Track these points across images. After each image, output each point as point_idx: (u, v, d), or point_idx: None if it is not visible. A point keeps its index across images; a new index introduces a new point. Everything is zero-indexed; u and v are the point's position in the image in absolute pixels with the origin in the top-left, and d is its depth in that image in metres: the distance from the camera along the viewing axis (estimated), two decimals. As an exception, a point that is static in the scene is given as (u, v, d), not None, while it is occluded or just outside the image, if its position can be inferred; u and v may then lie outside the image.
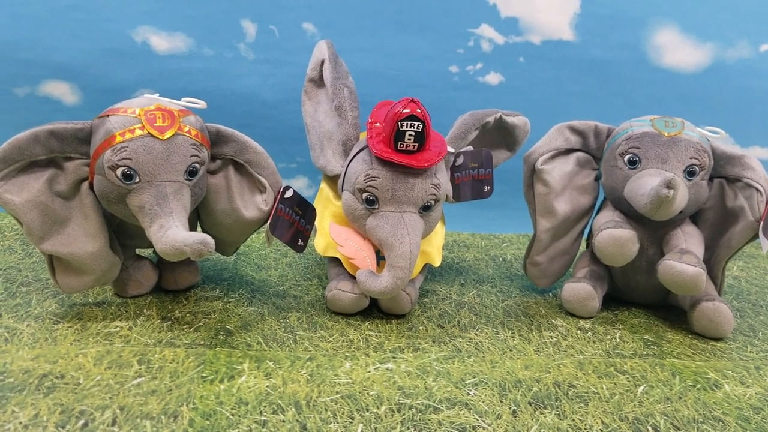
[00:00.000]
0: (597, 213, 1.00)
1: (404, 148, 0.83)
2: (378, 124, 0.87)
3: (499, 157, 1.01)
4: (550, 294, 1.05)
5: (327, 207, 0.96)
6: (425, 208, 0.86)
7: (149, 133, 0.78)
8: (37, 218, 0.79)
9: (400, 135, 0.82)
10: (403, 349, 0.82)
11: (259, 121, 1.27)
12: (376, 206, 0.85)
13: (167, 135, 0.79)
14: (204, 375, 0.73)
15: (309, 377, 0.74)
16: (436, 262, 0.95)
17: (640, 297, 1.00)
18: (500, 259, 1.19)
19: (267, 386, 0.71)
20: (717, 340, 0.91)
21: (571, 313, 0.97)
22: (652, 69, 1.29)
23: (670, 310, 1.00)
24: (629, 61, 1.28)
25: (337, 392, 0.71)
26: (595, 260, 1.01)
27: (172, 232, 0.76)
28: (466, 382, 0.75)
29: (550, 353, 0.84)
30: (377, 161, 0.85)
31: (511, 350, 0.84)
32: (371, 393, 0.71)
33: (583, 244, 1.10)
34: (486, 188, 0.97)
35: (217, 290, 0.96)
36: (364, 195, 0.85)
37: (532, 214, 0.99)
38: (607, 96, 1.30)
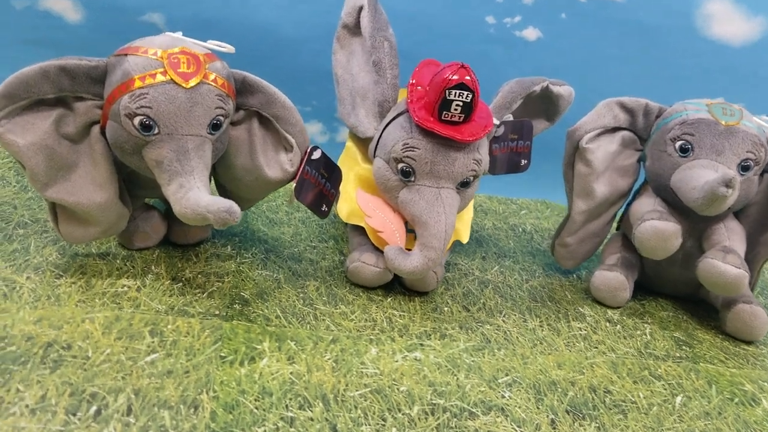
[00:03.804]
0: (634, 197, 0.94)
1: (449, 119, 0.76)
2: (420, 87, 0.80)
3: (538, 127, 0.94)
4: (574, 276, 1.01)
5: (352, 168, 0.89)
6: (463, 184, 0.80)
7: (172, 79, 0.70)
8: (42, 162, 0.71)
9: (446, 104, 0.75)
10: (430, 335, 0.77)
11: (272, 58, 1.18)
12: (412, 179, 0.79)
13: (191, 83, 0.71)
14: (222, 355, 0.67)
15: (334, 364, 0.69)
16: (464, 239, 0.89)
17: (671, 289, 0.96)
18: (520, 229, 1.14)
19: (291, 373, 0.66)
20: (748, 343, 0.88)
21: (599, 301, 0.92)
22: (699, 39, 1.21)
23: (698, 305, 0.97)
24: (676, 28, 1.20)
25: (366, 385, 0.66)
26: (626, 246, 0.96)
27: (194, 194, 0.69)
28: (500, 380, 0.71)
29: (581, 349, 0.80)
30: (417, 130, 0.78)
31: (540, 342, 0.80)
32: (401, 389, 0.67)
33: (612, 227, 1.04)
34: (523, 162, 0.91)
35: (229, 247, 0.90)
36: (400, 165, 0.79)
37: (569, 193, 0.93)
38: (648, 63, 1.23)
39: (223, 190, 0.87)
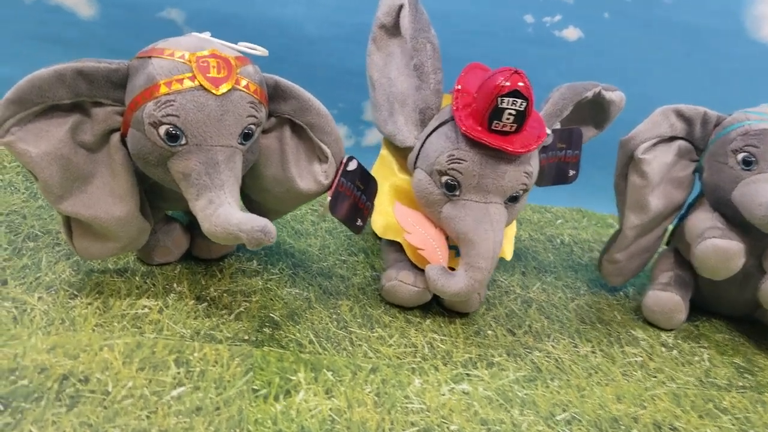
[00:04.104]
0: (688, 210, 0.88)
1: (499, 128, 0.70)
2: (467, 93, 0.73)
3: (586, 135, 0.87)
4: (621, 293, 0.94)
5: (388, 179, 0.83)
6: (512, 199, 0.74)
7: (201, 85, 0.64)
8: (57, 174, 0.65)
9: (497, 113, 0.68)
10: (476, 363, 0.71)
11: (296, 57, 1.11)
12: (457, 193, 0.72)
13: (222, 89, 0.64)
14: (255, 387, 0.61)
15: (376, 398, 0.63)
16: (508, 256, 0.83)
17: (727, 309, 0.90)
18: (557, 240, 1.07)
19: (330, 409, 0.60)
20: (813, 370, 0.81)
21: (652, 323, 0.86)
22: (749, 41, 1.15)
23: (754, 325, 0.90)
24: (724, 31, 1.14)
25: (412, 423, 0.60)
26: (680, 263, 0.90)
27: (224, 210, 0.63)
28: (557, 417, 0.65)
29: (639, 378, 0.74)
30: (465, 140, 0.71)
31: (596, 371, 0.74)
32: (452, 428, 0.61)
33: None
34: (571, 172, 0.85)
35: (255, 262, 0.83)
36: (444, 179, 0.72)
37: (620, 206, 0.87)
38: (694, 66, 1.16)
39: (249, 201, 0.81)
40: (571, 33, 1.14)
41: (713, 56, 1.15)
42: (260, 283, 0.79)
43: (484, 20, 1.12)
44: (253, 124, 0.67)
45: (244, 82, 0.66)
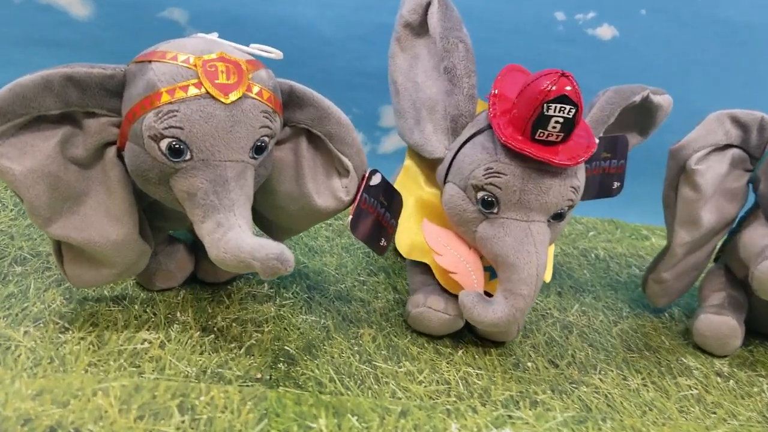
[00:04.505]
0: (740, 224, 0.80)
1: (543, 138, 0.61)
2: (505, 99, 0.65)
3: (630, 142, 0.79)
4: (666, 315, 0.86)
5: (413, 193, 0.75)
6: (557, 217, 0.66)
7: (208, 92, 0.56)
8: (44, 193, 0.57)
9: (542, 121, 0.60)
10: (518, 402, 0.63)
11: (310, 59, 1.03)
12: (495, 210, 0.65)
13: (232, 97, 0.57)
14: (270, 439, 0.53)
15: (409, 449, 0.55)
16: (548, 278, 0.75)
17: (785, 333, 0.81)
18: (592, 255, 0.99)
19: (358, 465, 0.52)
20: None
21: (703, 348, 0.78)
22: (795, 39, 1.06)
23: (813, 350, 0.82)
24: (768, 28, 1.06)
25: (453, 480, 0.52)
26: (731, 282, 0.82)
27: (234, 235, 0.55)
28: (616, 469, 0.56)
29: (698, 416, 0.66)
30: (504, 151, 0.63)
31: (650, 408, 0.66)
32: (499, 485, 0.53)
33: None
34: (615, 185, 0.77)
35: (266, 286, 0.76)
36: (481, 194, 0.64)
37: (670, 221, 0.79)
38: (740, 67, 1.08)
39: (260, 219, 0.73)
40: (606, 31, 1.06)
41: (761, 56, 1.07)
42: (273, 309, 0.71)
43: (510, 17, 1.04)
44: (267, 135, 0.60)
45: (256, 89, 0.59)
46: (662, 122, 0.79)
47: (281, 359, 0.63)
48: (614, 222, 1.14)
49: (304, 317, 0.71)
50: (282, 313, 0.71)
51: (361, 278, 0.81)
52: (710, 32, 1.07)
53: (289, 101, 0.64)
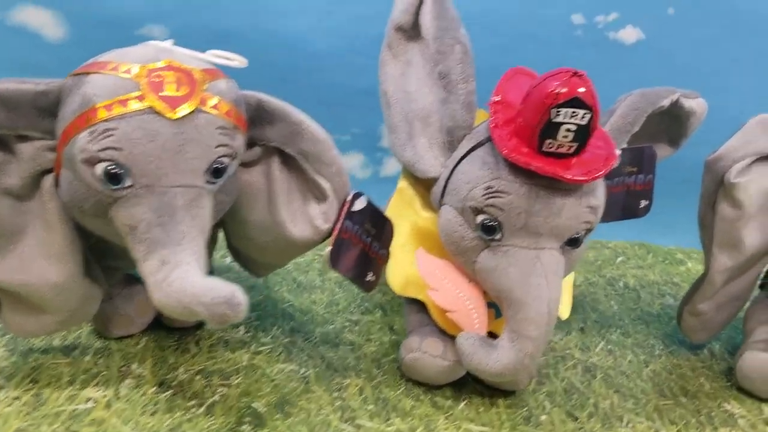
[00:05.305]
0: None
1: (553, 149, 0.52)
2: (508, 106, 0.56)
3: (659, 154, 0.69)
4: (705, 351, 0.75)
5: (408, 219, 0.65)
6: (572, 242, 0.56)
7: (152, 107, 0.47)
8: (-31, 230, 0.49)
9: (551, 129, 0.51)
10: (531, 467, 0.52)
11: (304, 76, 0.95)
12: (498, 237, 0.54)
13: (181, 111, 0.48)
14: None
15: None
16: (565, 314, 0.65)
17: None
18: (620, 284, 0.88)
19: None
20: None
21: (749, 391, 0.67)
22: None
23: None
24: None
25: None
26: (782, 314, 0.70)
27: (180, 274, 0.46)
28: None
29: (750, 479, 0.54)
30: (507, 167, 0.54)
31: (690, 472, 0.54)
32: None
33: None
34: (642, 203, 0.66)
35: (242, 329, 0.66)
36: (481, 218, 0.54)
37: (707, 244, 0.68)
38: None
39: (235, 253, 0.64)
40: (630, 34, 0.97)
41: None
42: (246, 358, 0.62)
43: (521, 22, 0.95)
44: (226, 155, 0.51)
45: (212, 102, 0.50)
46: (695, 130, 0.69)
47: (246, 420, 0.54)
48: (645, 246, 1.03)
49: (282, 366, 0.61)
50: (256, 362, 0.61)
51: (354, 317, 0.72)
52: (749, 29, 0.97)
53: (258, 117, 0.56)
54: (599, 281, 0.88)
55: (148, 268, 0.47)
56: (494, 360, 0.53)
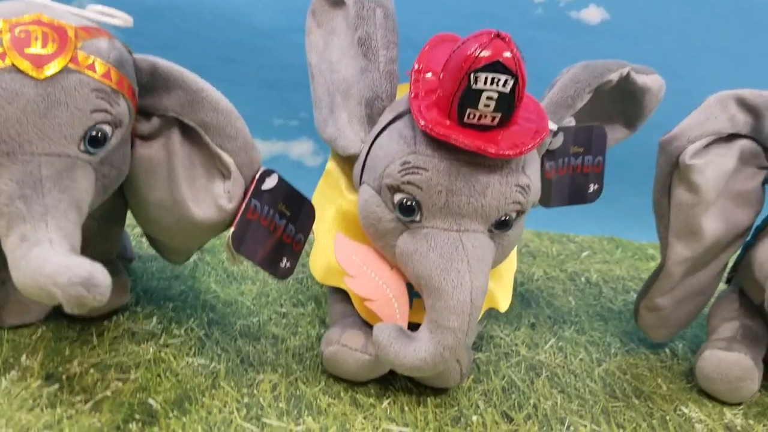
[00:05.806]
0: (756, 235, 0.63)
1: (475, 121, 0.46)
2: (430, 74, 0.51)
3: (613, 136, 0.64)
4: (666, 351, 0.69)
5: (333, 201, 0.60)
6: (501, 225, 0.50)
7: (14, 65, 0.42)
8: None
9: (470, 96, 0.45)
10: (450, 474, 0.47)
11: (248, 55, 0.90)
12: (417, 218, 0.49)
13: (48, 70, 0.43)
14: None
15: None
16: (503, 306, 0.60)
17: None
18: (582, 279, 0.83)
19: None
20: None
21: (710, 394, 0.61)
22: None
23: None
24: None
25: None
26: (747, 310, 0.65)
27: (39, 252, 0.41)
28: None
29: (699, 491, 0.49)
30: (425, 141, 0.48)
31: (631, 481, 0.49)
32: None
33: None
34: (592, 187, 0.61)
35: (154, 319, 0.61)
36: (398, 197, 0.49)
37: (663, 233, 0.62)
38: (753, 51, 0.93)
39: (150, 238, 0.59)
40: (593, 14, 0.92)
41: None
42: (152, 349, 0.57)
43: (481, 3, 0.89)
44: (106, 122, 0.46)
45: (88, 61, 0.45)
46: (653, 110, 0.64)
47: (136, 417, 0.48)
48: (615, 240, 0.97)
49: (191, 360, 0.56)
50: (163, 355, 0.56)
51: (283, 309, 0.66)
52: (721, 11, 0.92)
53: (153, 83, 0.50)
54: (559, 276, 0.83)
55: (9, 244, 0.42)
56: (412, 352, 0.48)
